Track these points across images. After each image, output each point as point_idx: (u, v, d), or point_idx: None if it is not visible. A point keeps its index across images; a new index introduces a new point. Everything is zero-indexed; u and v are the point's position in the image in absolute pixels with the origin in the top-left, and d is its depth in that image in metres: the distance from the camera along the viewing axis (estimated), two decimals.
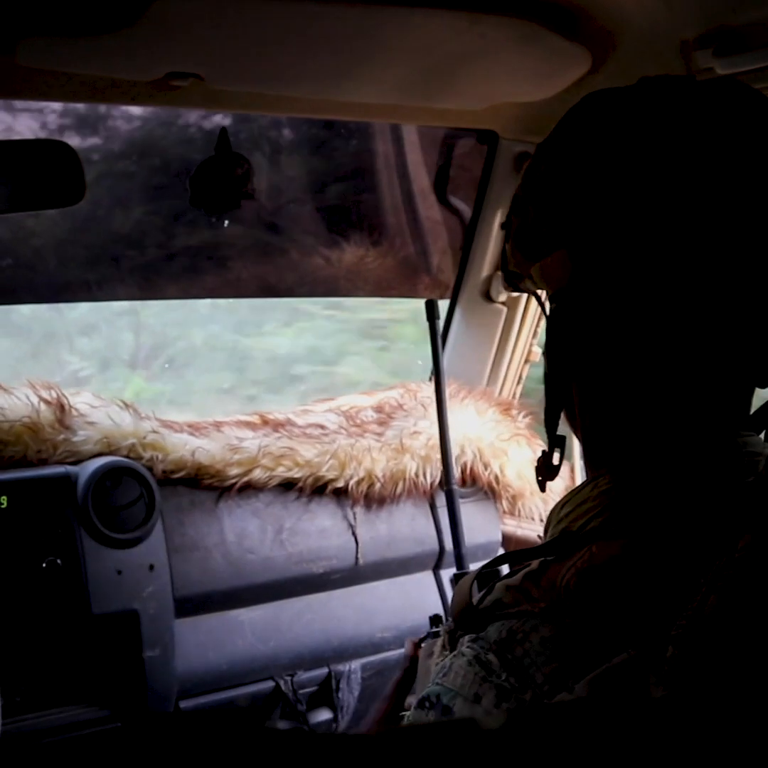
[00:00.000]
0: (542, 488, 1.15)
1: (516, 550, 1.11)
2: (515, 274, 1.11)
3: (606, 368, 1.02)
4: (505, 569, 1.15)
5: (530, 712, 0.76)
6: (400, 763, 0.62)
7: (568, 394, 1.08)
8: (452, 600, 1.09)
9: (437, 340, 2.10)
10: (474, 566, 2.22)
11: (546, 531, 1.12)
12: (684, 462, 0.98)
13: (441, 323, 2.19)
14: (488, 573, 1.12)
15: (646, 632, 0.82)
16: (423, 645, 1.52)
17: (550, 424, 1.11)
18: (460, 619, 1.03)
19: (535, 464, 1.14)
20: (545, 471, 1.14)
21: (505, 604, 0.99)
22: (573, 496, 1.05)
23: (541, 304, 1.16)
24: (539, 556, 1.02)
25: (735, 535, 0.79)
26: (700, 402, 1.01)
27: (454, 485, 2.12)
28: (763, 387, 1.05)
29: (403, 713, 1.15)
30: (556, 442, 1.13)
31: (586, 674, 0.83)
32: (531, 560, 1.03)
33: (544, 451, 1.14)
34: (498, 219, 2.58)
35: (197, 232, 2.62)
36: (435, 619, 1.73)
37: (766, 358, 1.01)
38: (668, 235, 0.95)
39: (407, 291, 3.03)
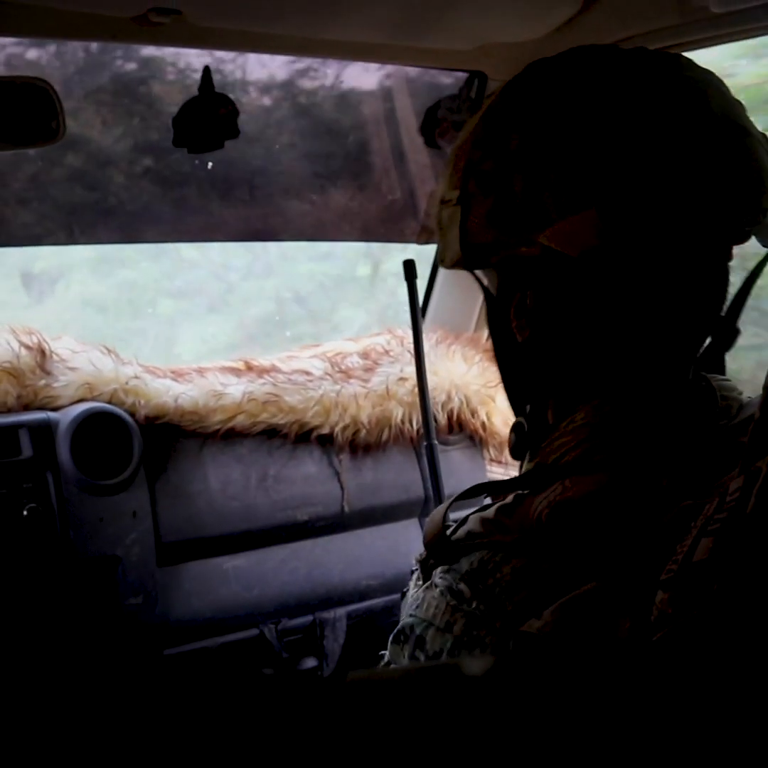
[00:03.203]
0: (517, 457, 1.15)
1: (490, 482, 1.13)
2: (487, 248, 1.05)
3: (609, 318, 1.03)
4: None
5: (513, 659, 0.76)
6: (381, 711, 0.61)
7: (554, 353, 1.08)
8: (425, 529, 1.11)
9: (416, 300, 2.10)
10: (460, 514, 2.21)
11: (521, 466, 1.13)
12: (659, 400, 1.01)
13: (428, 273, 2.18)
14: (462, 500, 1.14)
15: (613, 565, 0.85)
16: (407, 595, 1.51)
17: (525, 391, 1.14)
18: (432, 548, 1.05)
19: (509, 443, 1.15)
20: (522, 446, 1.13)
21: (477, 534, 1.02)
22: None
23: (484, 288, 1.15)
24: (514, 489, 1.05)
25: (716, 477, 0.79)
26: (684, 347, 1.06)
27: (434, 440, 2.12)
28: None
29: (383, 652, 1.15)
30: (524, 410, 1.14)
31: (554, 602, 0.86)
32: (505, 493, 1.06)
33: (517, 422, 1.14)
34: None
35: (181, 175, 2.58)
36: None
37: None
38: (684, 192, 0.96)
39: (394, 235, 3.00)
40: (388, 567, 2.46)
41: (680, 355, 1.06)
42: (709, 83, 1.01)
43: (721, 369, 1.11)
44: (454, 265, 1.10)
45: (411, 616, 1.02)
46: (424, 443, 2.13)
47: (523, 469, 1.09)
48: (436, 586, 1.00)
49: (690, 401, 1.02)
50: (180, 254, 3.97)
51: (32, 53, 2.16)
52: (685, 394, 1.02)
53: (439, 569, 1.02)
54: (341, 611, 2.38)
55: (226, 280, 4.12)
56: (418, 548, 2.55)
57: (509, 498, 1.03)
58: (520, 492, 1.03)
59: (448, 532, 1.06)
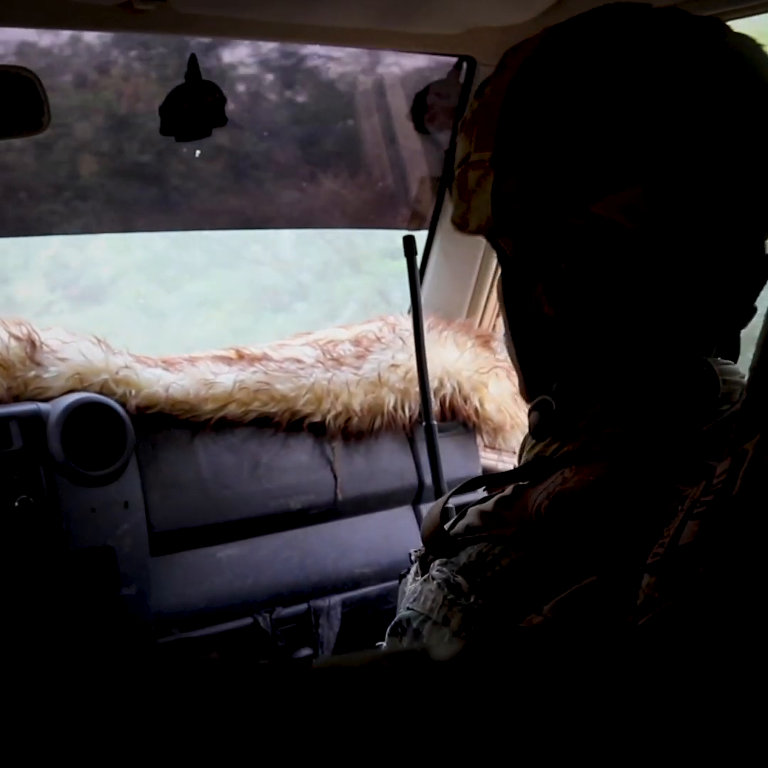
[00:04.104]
0: (540, 436, 1.07)
1: (488, 474, 1.11)
2: (522, 215, 0.99)
3: (649, 295, 0.98)
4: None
5: (484, 643, 0.76)
6: (347, 696, 0.60)
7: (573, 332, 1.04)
8: (423, 523, 1.09)
9: (415, 275, 2.08)
10: (454, 501, 2.21)
11: (520, 457, 1.12)
12: (660, 387, 0.99)
13: (419, 259, 2.17)
14: (460, 493, 1.12)
15: (615, 557, 0.83)
16: (402, 581, 1.51)
17: (550, 367, 1.07)
18: (431, 544, 1.04)
19: (531, 423, 1.07)
20: (548, 426, 1.06)
21: (476, 528, 1.00)
22: None
23: (502, 255, 1.09)
24: (513, 480, 1.03)
25: (710, 461, 0.78)
26: (714, 331, 1.03)
27: (433, 421, 2.10)
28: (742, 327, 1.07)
29: (379, 643, 1.15)
30: (546, 388, 1.07)
31: (555, 596, 0.84)
32: (504, 485, 1.04)
33: (542, 400, 1.06)
34: None
35: (170, 163, 2.57)
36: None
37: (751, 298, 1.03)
38: (736, 170, 0.92)
39: (385, 222, 2.99)
40: (381, 554, 2.46)
41: (709, 338, 1.03)
42: (754, 50, 0.96)
43: (736, 347, 1.09)
44: (478, 231, 1.05)
45: (408, 609, 1.00)
46: (423, 424, 2.11)
47: (549, 451, 1.03)
48: (433, 578, 0.99)
49: (691, 387, 0.99)
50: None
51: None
52: (687, 380, 0.99)
53: (436, 562, 1.01)
54: (336, 599, 2.38)
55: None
56: (411, 535, 2.57)
57: (508, 490, 1.02)
58: (519, 483, 1.01)
59: (447, 526, 1.04)
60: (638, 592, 0.72)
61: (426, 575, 1.01)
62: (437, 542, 1.02)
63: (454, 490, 1.13)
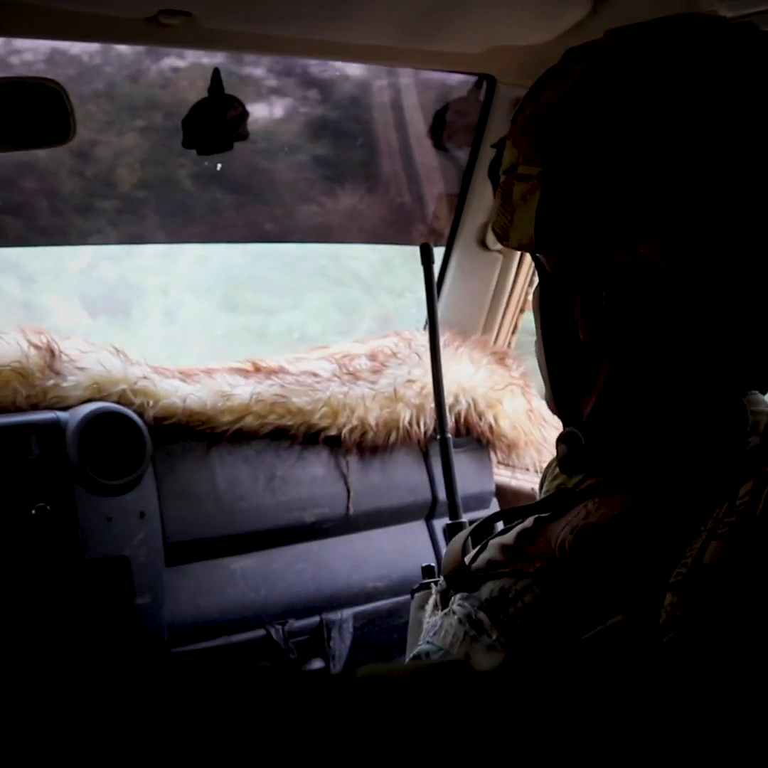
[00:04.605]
0: (569, 471, 1.04)
1: (510, 508, 1.08)
2: (567, 239, 0.95)
3: (688, 337, 0.93)
4: (499, 524, 1.12)
5: (524, 657, 0.75)
6: (392, 705, 0.61)
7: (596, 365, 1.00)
8: (444, 559, 1.07)
9: (432, 284, 2.06)
10: (467, 516, 2.21)
11: (541, 486, 1.10)
12: (686, 421, 0.95)
13: (437, 268, 2.16)
14: (482, 528, 1.10)
15: (642, 594, 0.81)
16: (415, 596, 1.51)
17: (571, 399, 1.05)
18: (452, 579, 1.02)
19: (559, 455, 1.03)
20: (576, 459, 1.02)
21: (498, 563, 0.98)
22: None
23: (541, 270, 1.05)
24: (534, 512, 1.00)
25: (735, 487, 0.77)
26: (752, 373, 0.97)
27: (448, 434, 2.10)
28: None
29: None
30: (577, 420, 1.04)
31: (580, 636, 0.82)
32: (525, 517, 1.02)
33: (570, 432, 1.03)
34: None
35: (190, 176, 2.59)
36: (427, 570, 1.72)
37: None
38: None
39: (402, 238, 3.01)
40: (394, 569, 2.46)
41: (743, 376, 0.97)
42: None
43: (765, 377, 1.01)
44: (518, 247, 1.01)
45: (428, 642, 0.99)
46: (438, 437, 2.10)
47: (572, 482, 1.00)
48: (454, 613, 0.97)
49: (720, 421, 0.94)
50: None
51: None
52: (716, 415, 0.95)
53: (457, 596, 0.99)
54: (348, 612, 2.38)
55: None
56: (424, 551, 2.57)
57: (529, 521, 1.00)
58: (540, 515, 0.99)
59: (468, 558, 1.02)
60: (661, 611, 0.73)
61: (447, 609, 1.00)
62: (459, 578, 1.00)
63: (476, 524, 1.12)
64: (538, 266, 1.05)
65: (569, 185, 0.93)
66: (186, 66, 2.36)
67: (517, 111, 1.03)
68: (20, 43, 2.14)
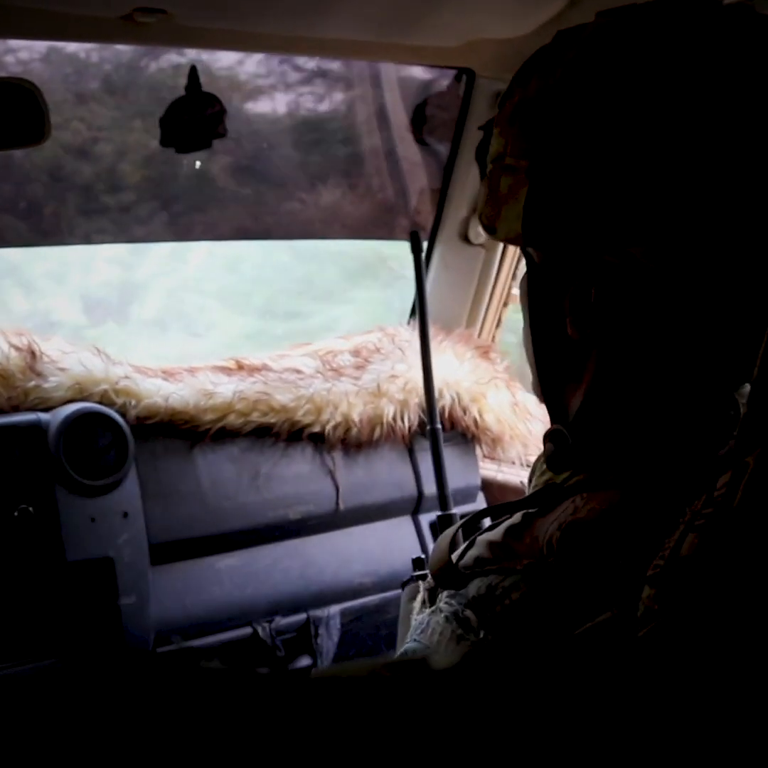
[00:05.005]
0: (556, 469, 1.03)
1: (498, 504, 1.07)
2: (554, 234, 0.93)
3: (681, 337, 0.92)
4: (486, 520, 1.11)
5: (483, 653, 0.75)
6: (344, 703, 0.60)
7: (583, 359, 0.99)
8: (431, 556, 1.06)
9: (421, 272, 2.05)
10: (454, 511, 2.21)
11: (530, 481, 1.09)
12: (673, 417, 0.94)
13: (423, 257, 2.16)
14: (469, 524, 1.09)
15: (628, 589, 0.79)
16: (406, 588, 1.50)
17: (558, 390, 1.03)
18: (439, 577, 1.01)
19: (546, 453, 1.02)
20: (562, 457, 1.01)
21: (485, 560, 0.97)
22: None
23: (530, 262, 1.03)
24: (522, 508, 0.99)
25: (713, 479, 0.76)
26: (714, 368, 0.95)
27: (438, 425, 2.09)
28: None
29: None
30: (564, 417, 1.03)
31: (568, 633, 0.81)
32: (512, 513, 1.00)
33: (557, 430, 1.01)
34: None
35: (171, 175, 2.58)
36: (418, 562, 1.71)
37: None
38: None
39: (385, 233, 3.01)
40: (381, 564, 2.46)
41: (736, 373, 0.96)
42: None
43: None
44: (506, 240, 0.99)
45: (415, 640, 0.98)
46: (428, 427, 2.10)
47: (560, 478, 0.99)
48: (441, 610, 0.96)
49: (709, 416, 0.93)
50: None
51: None
52: (706, 409, 0.94)
53: (444, 593, 0.98)
54: (335, 609, 2.38)
55: None
56: (411, 546, 2.57)
57: (517, 517, 0.98)
58: (527, 511, 0.98)
59: (455, 555, 1.01)
60: (639, 604, 0.72)
61: (434, 607, 0.99)
62: (447, 576, 0.99)
63: (462, 521, 1.10)
64: (527, 257, 1.04)
65: (558, 183, 0.91)
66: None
67: (504, 95, 0.99)
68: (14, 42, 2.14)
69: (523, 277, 1.05)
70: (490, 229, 1.00)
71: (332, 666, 1.20)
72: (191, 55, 2.22)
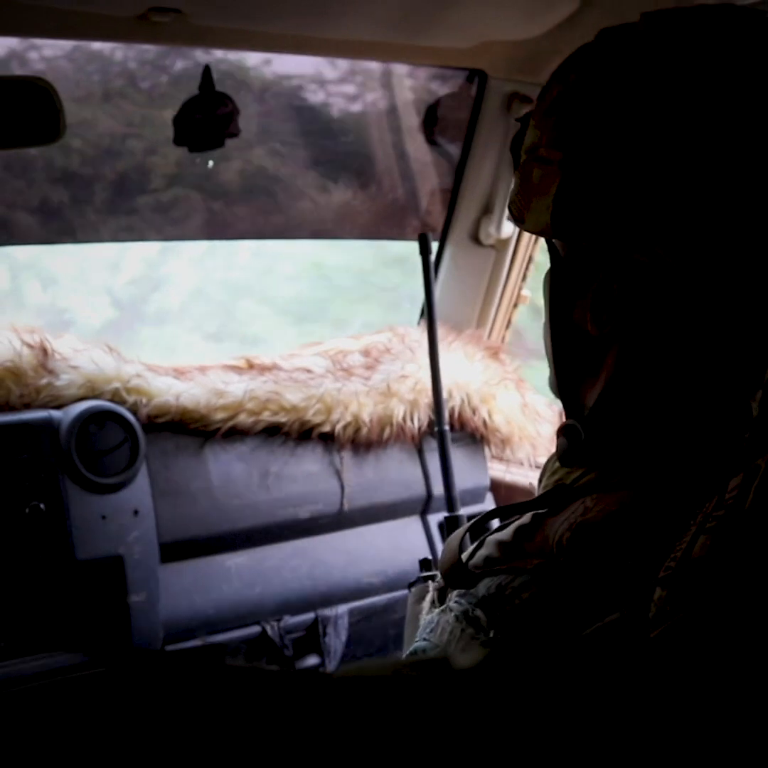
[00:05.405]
0: (568, 464, 1.02)
1: (508, 505, 1.07)
2: (583, 228, 0.92)
3: (705, 338, 0.91)
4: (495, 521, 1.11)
5: (505, 653, 0.75)
6: (370, 703, 0.61)
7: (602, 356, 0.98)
8: (441, 556, 1.06)
9: (430, 274, 2.05)
10: (462, 511, 2.22)
11: (540, 482, 1.09)
12: (690, 418, 0.93)
13: (433, 258, 2.16)
14: (478, 525, 1.09)
15: (638, 590, 0.79)
16: (412, 589, 1.51)
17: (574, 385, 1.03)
18: (449, 577, 1.01)
19: (559, 448, 1.01)
20: (575, 453, 1.00)
21: (495, 559, 0.97)
22: None
23: (554, 253, 1.02)
24: (532, 509, 0.99)
25: (725, 480, 0.76)
26: (729, 371, 0.93)
27: (446, 426, 2.09)
28: None
29: None
30: (579, 412, 1.02)
31: (578, 633, 0.81)
32: (522, 513, 1.00)
33: (570, 425, 1.00)
34: (487, 160, 2.55)
35: (183, 174, 2.58)
36: (424, 563, 1.72)
37: None
38: None
39: (396, 233, 3.00)
40: (389, 564, 2.46)
41: (754, 383, 0.90)
42: None
43: None
44: (533, 232, 0.99)
45: (424, 639, 0.98)
46: (435, 429, 2.10)
47: (570, 478, 0.99)
48: (451, 610, 0.96)
49: (725, 418, 0.91)
50: None
51: None
52: (722, 411, 0.92)
53: (454, 593, 0.98)
54: (343, 609, 2.39)
55: None
56: (419, 546, 2.57)
57: (527, 518, 0.98)
58: (537, 511, 0.98)
59: (465, 556, 1.01)
60: (650, 606, 0.72)
61: (443, 606, 0.99)
62: (456, 576, 0.98)
63: (472, 521, 1.10)
64: (552, 249, 1.03)
65: (590, 176, 0.90)
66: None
67: (544, 88, 0.99)
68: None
69: (547, 271, 1.04)
70: (519, 220, 1.00)
71: (352, 666, 1.20)
72: (218, 55, 2.23)
